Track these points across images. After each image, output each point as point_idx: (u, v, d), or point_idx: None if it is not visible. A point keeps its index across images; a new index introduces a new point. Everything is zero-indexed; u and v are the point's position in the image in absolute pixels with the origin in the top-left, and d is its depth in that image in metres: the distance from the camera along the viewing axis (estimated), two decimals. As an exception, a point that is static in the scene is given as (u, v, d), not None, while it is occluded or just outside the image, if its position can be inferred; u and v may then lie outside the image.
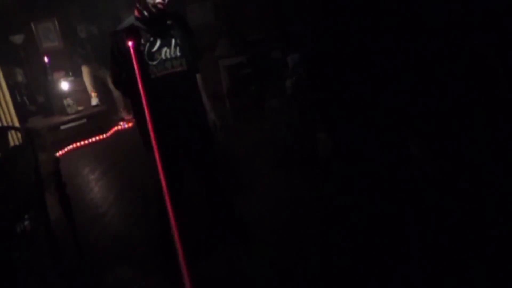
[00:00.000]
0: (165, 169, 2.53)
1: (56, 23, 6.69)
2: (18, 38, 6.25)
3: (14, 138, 3.85)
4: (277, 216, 3.00)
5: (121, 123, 6.44)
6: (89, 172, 4.76)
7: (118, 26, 2.49)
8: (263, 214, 3.04)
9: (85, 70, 6.44)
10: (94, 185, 4.37)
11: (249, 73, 5.54)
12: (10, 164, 2.40)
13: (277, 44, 5.31)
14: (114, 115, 6.65)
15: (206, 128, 2.61)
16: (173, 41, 2.42)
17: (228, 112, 5.64)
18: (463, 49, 2.33)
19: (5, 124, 4.12)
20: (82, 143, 5.88)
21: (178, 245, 2.55)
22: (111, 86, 5.80)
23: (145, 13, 2.36)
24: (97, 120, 6.33)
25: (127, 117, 6.45)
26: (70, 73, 6.59)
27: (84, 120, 6.30)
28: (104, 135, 6.08)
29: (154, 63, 2.38)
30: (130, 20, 2.44)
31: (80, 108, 6.40)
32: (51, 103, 6.43)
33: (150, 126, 2.52)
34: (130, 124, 6.27)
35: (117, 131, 6.26)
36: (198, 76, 2.61)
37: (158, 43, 2.39)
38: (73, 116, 6.22)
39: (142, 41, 2.33)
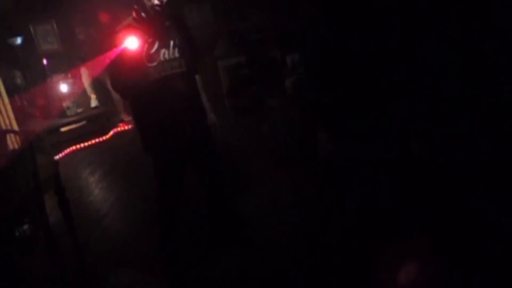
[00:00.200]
0: (165, 171, 2.53)
1: (55, 25, 6.66)
2: (16, 41, 6.23)
3: (13, 142, 3.84)
4: (278, 216, 2.98)
5: (121, 124, 6.42)
6: (89, 174, 4.75)
7: (116, 27, 2.47)
8: (263, 214, 3.03)
9: (84, 72, 6.42)
10: (94, 187, 4.35)
11: (248, 73, 5.52)
12: (8, 167, 2.38)
13: (277, 44, 5.29)
14: (114, 117, 6.63)
15: (206, 129, 2.59)
16: (171, 42, 2.40)
17: (228, 112, 5.63)
18: (463, 48, 2.32)
19: (3, 127, 4.09)
20: (82, 145, 5.87)
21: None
22: (110, 87, 5.78)
23: (143, 14, 2.35)
24: (97, 122, 6.32)
25: (127, 118, 6.43)
26: (69, 75, 6.57)
27: (84, 122, 6.29)
28: (104, 137, 6.06)
29: (153, 64, 2.36)
30: (128, 21, 2.43)
31: (79, 110, 6.39)
32: (50, 105, 6.42)
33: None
34: (130, 126, 6.25)
35: (117, 133, 6.25)
36: (197, 76, 2.59)
37: (156, 44, 2.37)
38: (72, 118, 6.21)
39: (140, 43, 2.32)
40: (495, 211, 2.23)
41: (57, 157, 5.36)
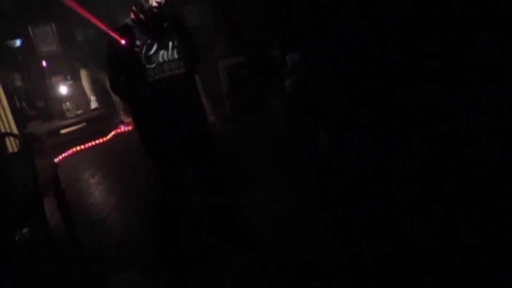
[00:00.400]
0: (166, 172, 2.52)
1: (54, 27, 6.66)
2: (15, 43, 6.23)
3: (12, 145, 3.82)
4: (278, 216, 2.98)
5: (121, 126, 6.41)
6: (89, 176, 4.74)
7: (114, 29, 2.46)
8: (264, 214, 3.03)
9: (83, 74, 6.41)
10: (94, 189, 4.35)
11: (248, 73, 5.51)
12: (7, 171, 2.38)
13: (276, 43, 5.28)
14: (114, 118, 6.62)
15: (206, 130, 2.58)
16: (170, 43, 2.39)
17: (228, 112, 5.62)
18: (464, 47, 2.30)
19: (2, 130, 4.08)
20: (82, 146, 5.86)
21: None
22: (110, 89, 5.77)
23: (142, 16, 2.33)
24: (97, 124, 6.33)
25: (126, 119, 6.42)
26: (69, 77, 6.57)
27: (84, 124, 6.29)
28: (104, 138, 6.06)
29: (152, 66, 2.35)
30: (126, 23, 2.42)
31: (79, 111, 6.39)
32: (50, 107, 6.43)
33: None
34: (130, 127, 6.24)
35: (117, 134, 6.24)
36: (197, 77, 2.59)
37: (155, 46, 2.36)
38: (72, 120, 6.21)
39: (139, 44, 2.30)
40: (497, 212, 2.22)
41: (56, 159, 5.35)
